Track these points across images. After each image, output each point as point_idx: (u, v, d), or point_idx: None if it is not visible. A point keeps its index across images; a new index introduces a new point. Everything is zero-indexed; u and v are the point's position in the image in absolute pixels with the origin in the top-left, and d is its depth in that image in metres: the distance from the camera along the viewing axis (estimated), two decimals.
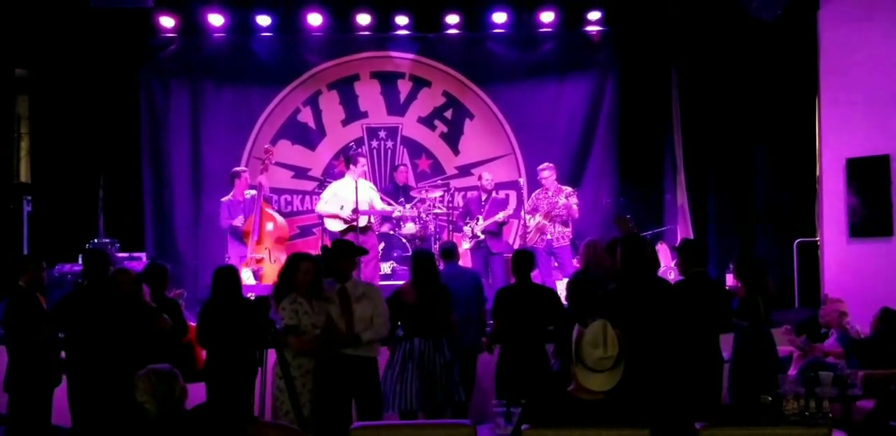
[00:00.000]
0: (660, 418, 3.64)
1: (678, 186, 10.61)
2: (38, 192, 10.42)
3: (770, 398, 4.66)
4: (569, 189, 9.71)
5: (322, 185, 10.09)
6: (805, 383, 5.30)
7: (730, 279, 8.32)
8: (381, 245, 9.68)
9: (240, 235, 9.37)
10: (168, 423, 3.88)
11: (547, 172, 9.68)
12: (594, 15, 10.63)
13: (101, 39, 10.15)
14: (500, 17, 10.61)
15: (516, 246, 9.85)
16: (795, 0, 9.08)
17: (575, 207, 9.52)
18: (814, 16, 9.31)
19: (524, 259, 6.47)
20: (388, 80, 11.04)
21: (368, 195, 9.29)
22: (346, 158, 9.84)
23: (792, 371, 6.56)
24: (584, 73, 10.90)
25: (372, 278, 8.78)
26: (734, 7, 9.32)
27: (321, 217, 9.57)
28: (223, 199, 9.53)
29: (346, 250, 5.89)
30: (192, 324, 6.29)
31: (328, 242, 9.53)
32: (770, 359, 6.03)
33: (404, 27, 10.76)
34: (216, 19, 10.46)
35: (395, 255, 9.91)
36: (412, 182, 10.64)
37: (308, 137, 10.98)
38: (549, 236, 9.52)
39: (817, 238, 9.53)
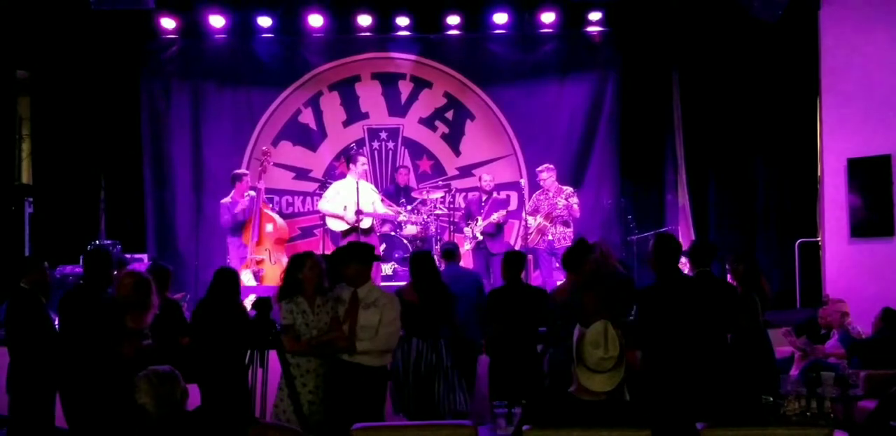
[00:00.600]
0: (661, 419, 3.63)
1: (679, 187, 10.61)
2: (40, 193, 10.44)
3: (771, 399, 4.66)
4: (569, 189, 9.71)
5: (323, 186, 10.09)
6: (807, 383, 5.31)
7: (728, 279, 8.30)
8: (383, 246, 9.68)
9: (237, 228, 9.38)
10: (169, 424, 3.89)
11: (546, 174, 9.68)
12: (595, 15, 10.62)
13: (103, 41, 10.17)
14: (500, 18, 10.61)
15: (517, 247, 9.85)
16: (796, 1, 9.08)
17: (576, 206, 9.53)
18: (815, 16, 9.32)
19: (514, 260, 6.47)
20: (389, 81, 11.04)
21: (371, 197, 9.30)
22: (345, 157, 9.86)
23: (793, 372, 6.56)
24: (585, 73, 10.90)
25: (373, 280, 8.76)
26: (735, 7, 9.32)
27: (323, 217, 9.58)
28: (223, 200, 9.54)
29: (348, 255, 5.65)
30: None
31: (330, 243, 9.57)
32: (766, 359, 6.02)
33: (405, 28, 10.76)
34: (217, 21, 10.47)
35: (397, 256, 9.91)
36: (413, 183, 10.65)
37: (309, 138, 10.98)
38: (550, 237, 9.52)
39: (818, 238, 9.54)
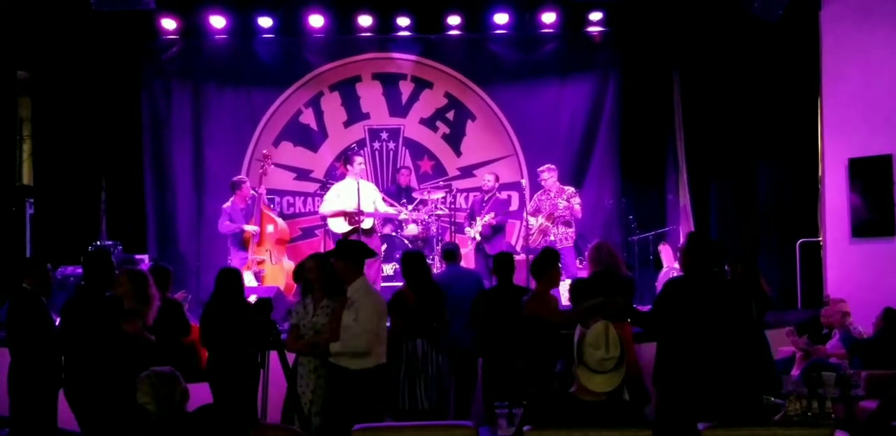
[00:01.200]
0: (661, 419, 3.64)
1: (680, 187, 10.61)
2: (41, 194, 10.45)
3: (772, 399, 4.66)
4: (571, 190, 9.71)
5: (324, 186, 10.09)
6: (808, 383, 5.30)
7: None
8: (384, 247, 9.68)
9: (240, 241, 9.36)
10: (169, 424, 3.89)
11: (547, 174, 9.69)
12: (595, 15, 10.62)
13: (103, 41, 10.17)
14: (501, 18, 10.61)
15: (519, 247, 9.85)
16: (797, 1, 9.07)
17: (577, 207, 9.53)
18: (815, 16, 9.32)
19: (503, 261, 6.43)
20: (389, 82, 11.04)
21: (372, 196, 9.30)
22: (343, 158, 9.86)
23: (795, 372, 6.56)
24: (586, 73, 10.90)
25: (375, 280, 8.78)
26: (735, 7, 9.32)
27: (324, 218, 9.58)
28: (224, 205, 9.51)
29: (334, 252, 5.60)
30: (195, 324, 6.29)
31: (331, 244, 9.56)
32: (764, 360, 6.00)
33: (406, 28, 10.76)
34: (218, 21, 10.47)
35: (398, 256, 9.89)
36: (414, 184, 10.65)
37: (310, 139, 10.98)
38: (552, 238, 9.52)
39: (820, 238, 9.53)
